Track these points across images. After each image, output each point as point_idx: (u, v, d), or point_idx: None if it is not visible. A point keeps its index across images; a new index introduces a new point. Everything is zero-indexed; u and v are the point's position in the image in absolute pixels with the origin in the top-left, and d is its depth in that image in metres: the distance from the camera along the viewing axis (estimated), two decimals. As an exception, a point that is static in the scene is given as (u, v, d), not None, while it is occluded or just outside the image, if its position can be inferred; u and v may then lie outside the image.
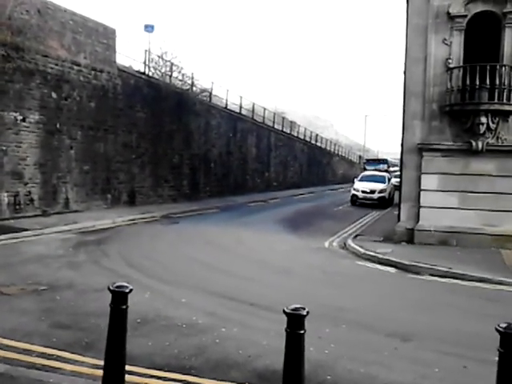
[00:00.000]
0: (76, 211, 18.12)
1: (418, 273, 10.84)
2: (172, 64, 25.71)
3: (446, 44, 14.10)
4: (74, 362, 5.24)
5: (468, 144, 13.82)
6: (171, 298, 7.98)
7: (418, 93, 14.41)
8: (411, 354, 5.98)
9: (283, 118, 45.83)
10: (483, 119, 13.54)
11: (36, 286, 8.30)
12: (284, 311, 3.61)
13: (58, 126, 17.64)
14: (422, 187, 14.26)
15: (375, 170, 37.27)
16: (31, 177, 16.58)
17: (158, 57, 25.38)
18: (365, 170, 38.84)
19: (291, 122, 48.12)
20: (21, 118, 16.04)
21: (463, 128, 13.91)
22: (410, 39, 14.67)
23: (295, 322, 3.59)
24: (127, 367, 4.39)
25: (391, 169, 44.06)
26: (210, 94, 30.02)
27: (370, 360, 5.69)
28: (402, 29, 14.89)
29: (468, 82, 13.47)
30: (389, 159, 47.54)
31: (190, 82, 27.25)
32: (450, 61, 14.00)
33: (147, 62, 24.65)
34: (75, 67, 18.37)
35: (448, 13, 13.99)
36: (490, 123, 13.58)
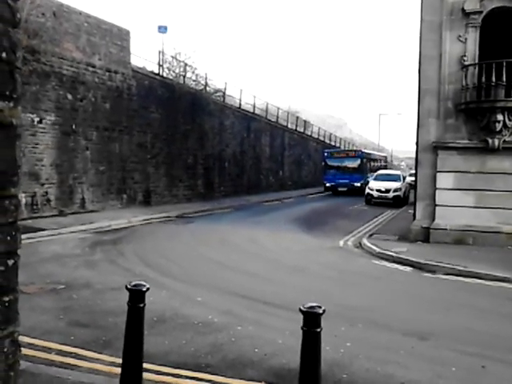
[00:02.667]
0: (92, 211, 18.31)
1: (433, 271, 10.78)
2: (186, 64, 25.82)
3: (461, 41, 13.97)
4: (92, 360, 5.31)
5: (484, 142, 13.68)
6: (187, 296, 8.04)
7: (432, 91, 14.31)
8: (428, 353, 5.96)
9: (297, 118, 45.78)
10: (499, 117, 13.40)
11: (54, 284, 8.42)
12: (300, 309, 3.63)
13: (73, 126, 17.84)
14: (437, 186, 14.16)
15: (341, 166, 35.61)
16: (48, 177, 16.79)
17: (172, 57, 25.51)
18: (326, 167, 36.37)
19: (305, 121, 48.05)
20: (37, 119, 16.25)
21: (479, 126, 13.78)
22: (424, 36, 14.56)
23: (312, 320, 3.60)
24: (144, 365, 4.44)
25: (375, 164, 40.57)
26: (224, 93, 30.10)
27: (387, 359, 5.68)
28: (416, 26, 14.79)
29: (484, 79, 13.34)
30: (369, 151, 43.43)
31: (203, 82, 27.35)
32: (465, 58, 13.87)
33: (161, 63, 24.80)
34: (90, 69, 18.56)
35: (463, 9, 13.87)
36: (507, 121, 13.44)
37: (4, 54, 1.47)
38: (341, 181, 35.11)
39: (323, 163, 37.55)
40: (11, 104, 1.55)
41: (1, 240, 1.54)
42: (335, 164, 36.31)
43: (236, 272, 10.12)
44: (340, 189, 34.92)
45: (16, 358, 1.66)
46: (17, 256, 1.67)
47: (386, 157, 49.10)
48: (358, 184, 34.28)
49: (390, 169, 48.14)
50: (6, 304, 1.58)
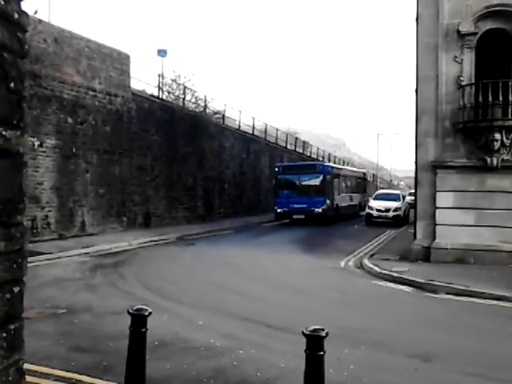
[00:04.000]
0: (92, 234, 18.27)
1: (434, 291, 10.72)
2: (185, 87, 26.05)
3: (457, 62, 14.15)
4: (93, 386, 5.26)
5: (483, 161, 13.75)
6: (188, 320, 7.98)
7: (430, 110, 14.44)
8: (433, 375, 5.90)
9: (296, 138, 46.02)
10: (497, 136, 13.49)
11: (54, 309, 8.37)
12: (303, 333, 3.62)
13: (73, 150, 17.92)
14: (437, 205, 14.18)
15: (297, 185, 27.28)
16: (48, 201, 16.80)
17: (172, 80, 25.76)
18: (277, 183, 27.95)
19: (304, 141, 48.29)
20: (38, 143, 16.34)
21: (477, 145, 13.86)
22: (420, 58, 14.75)
23: (315, 343, 3.59)
24: (146, 390, 4.40)
25: (349, 182, 33.08)
26: (223, 115, 30.31)
27: (391, 381, 5.63)
28: (412, 47, 14.98)
29: (481, 98, 13.48)
30: (336, 165, 35.60)
31: (203, 104, 27.57)
32: (461, 78, 14.03)
33: (161, 86, 25.03)
34: (90, 92, 18.72)
35: (458, 31, 14.07)
36: (505, 139, 13.53)
37: (12, 84, 1.50)
38: (296, 205, 26.17)
39: (274, 181, 28.82)
40: (18, 133, 1.58)
41: (7, 268, 1.55)
42: (289, 182, 27.53)
43: (237, 294, 10.06)
44: (295, 216, 26.38)
45: (21, 386, 1.65)
46: (22, 283, 1.67)
47: (364, 174, 41.13)
48: (319, 209, 26.08)
49: (388, 188, 48.10)
50: (12, 332, 1.58)
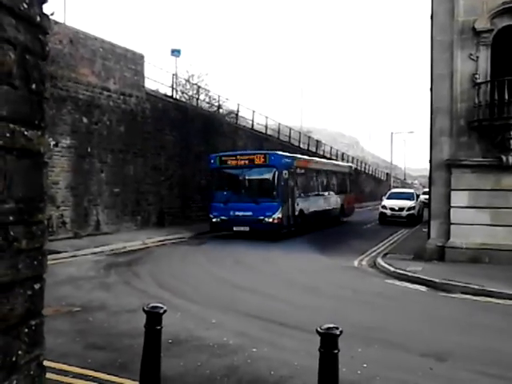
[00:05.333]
0: (106, 233, 18.43)
1: (449, 291, 10.65)
2: (199, 87, 26.15)
3: (473, 59, 14.02)
4: (109, 383, 5.32)
5: (498, 159, 13.62)
6: (202, 318, 8.03)
7: (444, 109, 14.33)
8: (447, 375, 5.87)
9: (309, 137, 45.95)
10: (513, 134, 13.35)
11: (70, 307, 8.47)
12: (317, 331, 3.63)
13: (88, 149, 18.09)
14: (451, 204, 14.07)
15: (240, 183, 19.47)
16: (63, 200, 16.98)
17: (185, 80, 25.87)
18: (213, 180, 20.35)
19: (317, 140, 48.20)
20: (53, 143, 16.51)
21: (493, 143, 13.73)
22: (435, 55, 14.64)
23: (329, 341, 3.60)
24: (161, 387, 4.45)
25: (325, 179, 25.48)
26: (237, 115, 30.37)
27: (405, 380, 5.61)
28: (427, 45, 14.88)
29: (496, 96, 13.34)
30: (299, 156, 24.20)
31: (216, 104, 27.65)
32: (476, 76, 13.90)
33: (174, 86, 25.15)
34: (105, 92, 18.87)
35: (474, 28, 13.94)
36: (521, 138, 13.38)
37: (34, 86, 1.53)
38: (238, 212, 18.93)
39: (209, 178, 21.39)
40: (39, 133, 1.62)
41: (28, 265, 1.59)
42: (229, 179, 20.09)
43: (250, 293, 10.09)
44: (237, 228, 18.96)
45: (42, 381, 1.69)
46: (43, 280, 1.71)
47: (351, 168, 32.93)
48: (271, 218, 18.54)
49: (402, 187, 47.83)
50: (33, 327, 1.62)
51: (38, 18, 1.53)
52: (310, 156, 30.87)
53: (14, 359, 1.47)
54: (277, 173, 19.07)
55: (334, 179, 27.49)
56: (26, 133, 1.53)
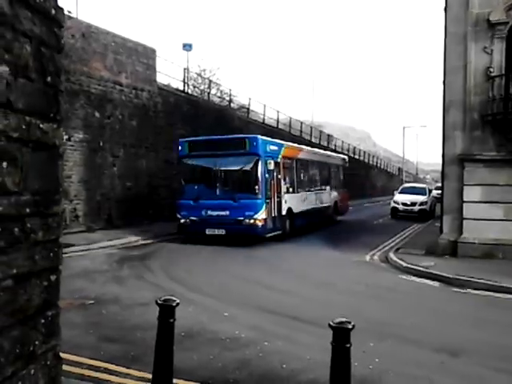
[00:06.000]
0: (119, 227, 18.55)
1: (462, 286, 10.58)
2: (210, 81, 26.16)
3: (487, 52, 13.86)
4: (122, 375, 5.37)
5: (512, 154, 13.48)
6: (214, 311, 8.06)
7: (457, 102, 14.19)
8: (460, 370, 5.84)
9: (320, 132, 45.80)
10: (528, 128, 13.20)
11: (83, 300, 8.55)
12: (329, 325, 3.62)
13: (101, 144, 18.19)
14: (464, 199, 13.96)
15: (215, 175, 16.04)
16: (76, 194, 17.11)
17: (197, 74, 25.89)
18: (182, 172, 16.96)
19: (328, 134, 48.04)
20: (66, 137, 16.62)
21: (507, 137, 13.58)
22: (448, 48, 14.49)
23: (341, 335, 3.59)
24: (173, 380, 4.48)
25: (315, 171, 21.78)
26: (248, 109, 30.35)
27: (417, 375, 5.60)
28: (440, 38, 14.74)
29: (511, 90, 13.19)
30: (284, 143, 19.06)
31: (228, 98, 27.64)
32: (491, 69, 13.74)
33: (186, 80, 25.18)
34: (117, 87, 18.95)
35: (488, 20, 13.77)
36: (535, 132, 13.23)
37: (49, 78, 1.54)
38: (212, 211, 15.75)
39: (177, 169, 18.27)
40: (55, 125, 1.63)
41: (44, 256, 1.60)
42: (201, 170, 16.81)
43: (262, 287, 10.11)
44: (210, 231, 15.72)
45: (58, 370, 1.71)
46: (59, 272, 1.73)
47: (344, 159, 28.22)
48: (252, 219, 15.38)
49: (414, 182, 47.48)
50: (50, 318, 1.64)
51: (53, 11, 1.54)
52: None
53: (31, 349, 1.49)
54: (260, 162, 15.39)
55: (327, 172, 23.81)
56: (41, 125, 1.54)
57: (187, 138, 17.92)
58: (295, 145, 21.90)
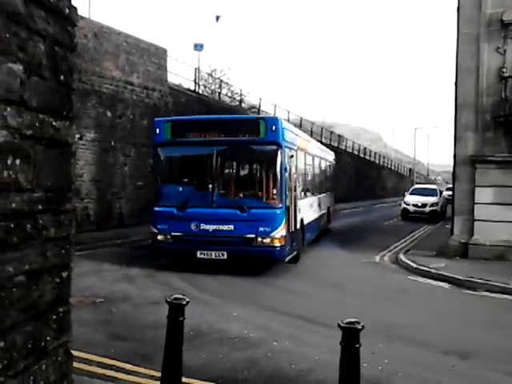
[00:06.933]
0: (129, 226, 18.62)
1: (473, 288, 10.51)
2: (221, 81, 26.21)
3: (500, 53, 13.75)
4: (132, 373, 5.40)
5: (525, 155, 13.36)
6: (223, 311, 8.08)
7: (470, 104, 14.10)
8: (470, 373, 5.80)
9: (331, 132, 45.68)
10: (541, 129, 13.09)
11: (93, 298, 8.60)
12: (339, 325, 3.62)
13: (112, 143, 18.29)
14: (476, 200, 13.86)
15: (214, 168, 10.94)
16: (87, 192, 17.22)
17: (208, 74, 25.95)
18: (158, 166, 11.70)
19: (339, 135, 47.90)
20: (78, 136, 16.73)
21: (519, 139, 13.48)
22: (460, 49, 14.40)
23: (350, 335, 3.59)
24: (182, 379, 4.50)
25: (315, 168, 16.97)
26: (259, 109, 30.35)
27: (427, 377, 5.57)
28: (452, 39, 14.65)
29: (524, 91, 13.09)
30: (293, 128, 14.14)
31: (238, 98, 27.66)
32: (504, 70, 13.63)
33: (197, 80, 25.25)
34: (129, 86, 19.04)
35: (501, 20, 13.66)
36: (548, 133, 13.11)
37: (62, 77, 1.56)
38: (207, 225, 10.77)
39: (152, 163, 14.19)
40: (67, 123, 1.64)
41: (56, 253, 1.62)
42: (190, 164, 12.30)
43: (271, 287, 10.10)
44: (204, 253, 10.81)
45: (69, 367, 1.73)
46: (70, 269, 1.75)
47: (334, 156, 24.33)
48: (267, 239, 10.61)
49: (425, 183, 47.20)
50: (61, 314, 1.65)
51: (67, 11, 1.55)
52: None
53: (42, 344, 1.51)
54: (280, 155, 10.74)
55: (325, 171, 19.76)
56: (54, 123, 1.56)
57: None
58: (306, 135, 18.04)
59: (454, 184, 15.15)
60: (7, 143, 1.31)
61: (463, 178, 14.25)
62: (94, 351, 5.92)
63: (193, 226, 10.82)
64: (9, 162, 1.32)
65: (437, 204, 27.40)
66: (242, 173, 12.52)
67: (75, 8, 1.58)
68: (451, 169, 15.95)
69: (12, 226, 1.35)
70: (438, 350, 6.49)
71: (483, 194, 13.75)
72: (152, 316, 7.35)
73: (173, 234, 10.97)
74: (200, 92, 25.11)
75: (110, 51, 18.14)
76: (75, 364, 5.62)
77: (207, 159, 11.17)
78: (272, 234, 10.61)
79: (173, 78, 22.47)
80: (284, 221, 10.85)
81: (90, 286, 9.51)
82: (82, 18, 16.88)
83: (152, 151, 11.81)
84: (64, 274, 1.68)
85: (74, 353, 5.86)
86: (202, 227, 10.79)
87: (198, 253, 10.82)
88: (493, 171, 13.71)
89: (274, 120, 11.29)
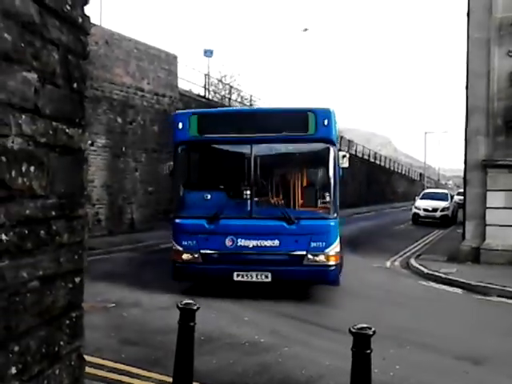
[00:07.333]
0: (140, 231, 18.71)
1: (485, 294, 10.42)
2: (231, 87, 26.32)
3: (511, 56, 13.68)
4: (143, 378, 5.42)
5: (537, 159, 13.26)
6: (234, 316, 8.07)
7: (481, 108, 14.03)
8: (484, 379, 5.75)
9: (341, 137, 45.60)
10: (553, 133, 12.98)
11: (105, 303, 8.64)
12: (350, 330, 3.61)
13: (123, 149, 18.41)
14: (487, 205, 13.76)
15: (253, 173, 9.14)
16: (99, 198, 17.33)
17: (218, 80, 26.07)
18: (180, 168, 9.38)
19: (349, 140, 47.81)
20: (89, 142, 16.86)
21: (531, 143, 13.38)
22: (471, 53, 14.35)
23: (362, 341, 3.58)
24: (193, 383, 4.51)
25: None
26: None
27: (440, 383, 5.53)
28: (462, 43, 14.60)
29: (535, 95, 13.00)
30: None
31: (248, 103, 27.73)
32: (515, 74, 13.56)
33: (207, 86, 25.37)
34: (139, 93, 19.18)
35: (512, 24, 13.60)
36: (561, 137, 13.00)
37: (75, 85, 1.58)
38: (245, 240, 8.94)
39: (173, 163, 9.67)
40: (80, 130, 1.67)
41: (69, 259, 1.64)
42: (222, 167, 10.29)
43: (282, 292, 10.08)
44: (242, 275, 9.04)
45: (82, 371, 1.74)
46: (83, 274, 1.76)
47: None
48: (320, 256, 8.86)
49: (436, 188, 46.87)
50: (74, 319, 1.67)
51: (80, 20, 1.58)
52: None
53: (56, 349, 1.52)
54: (332, 154, 9.11)
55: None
56: (67, 130, 1.58)
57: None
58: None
59: (465, 188, 15.07)
60: (22, 151, 1.34)
61: (474, 182, 14.17)
62: (106, 356, 5.94)
63: (228, 242, 8.98)
64: (23, 169, 1.34)
65: (448, 209, 27.22)
66: (287, 176, 10.17)
67: (88, 17, 1.61)
68: (462, 173, 15.85)
69: (26, 232, 1.37)
70: (450, 356, 6.44)
71: (495, 199, 13.65)
72: (163, 321, 7.36)
73: (202, 251, 9.08)
74: (210, 98, 25.22)
75: (121, 58, 18.30)
76: (87, 369, 5.64)
77: (243, 160, 9.31)
78: (326, 251, 8.87)
79: (183, 84, 22.63)
80: (338, 234, 9.18)
81: (101, 291, 9.55)
82: (94, 25, 17.05)
83: (172, 150, 9.62)
84: (77, 280, 1.70)
85: (87, 358, 5.87)
86: (239, 243, 8.97)
87: (235, 274, 8.98)
88: (504, 175, 13.61)
89: (327, 112, 9.05)
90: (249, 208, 9.12)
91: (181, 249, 9.19)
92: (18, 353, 1.32)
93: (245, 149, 9.20)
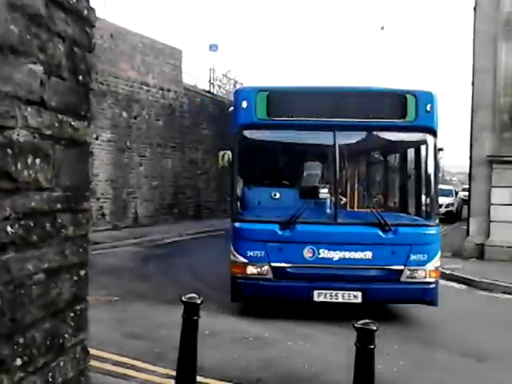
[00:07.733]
0: (145, 225, 18.76)
1: (490, 290, 10.40)
2: (236, 82, 26.26)
3: (518, 52, 13.60)
4: (147, 371, 5.44)
5: (543, 156, 13.19)
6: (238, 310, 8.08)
7: (487, 104, 13.95)
8: (488, 375, 5.74)
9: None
10: (559, 129, 12.91)
11: (109, 296, 8.67)
12: (354, 326, 3.61)
13: (128, 143, 18.43)
14: (492, 201, 13.71)
15: (338, 167, 7.14)
16: (103, 192, 17.36)
17: (223, 75, 26.03)
18: (241, 162, 7.38)
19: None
20: (94, 136, 16.89)
21: (537, 139, 13.31)
22: (477, 48, 14.26)
23: (365, 336, 3.58)
24: (197, 378, 4.52)
25: None
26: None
27: (443, 380, 5.52)
28: (468, 38, 14.50)
29: (542, 91, 12.92)
30: None
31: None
32: (522, 70, 13.48)
33: (212, 81, 25.33)
34: (144, 87, 19.18)
35: (520, 20, 13.51)
36: None
37: (81, 77, 1.58)
38: (328, 252, 7.15)
39: (232, 154, 7.64)
40: (85, 123, 1.66)
41: (74, 251, 1.64)
42: (297, 157, 8.69)
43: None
44: (325, 294, 7.34)
45: (86, 364, 1.75)
46: (87, 267, 1.77)
47: None
48: (419, 271, 7.22)
49: (440, 184, 46.68)
50: (78, 312, 1.68)
51: (86, 12, 1.57)
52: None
53: (61, 341, 1.53)
54: (434, 147, 7.59)
55: None
56: (73, 123, 1.58)
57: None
58: None
59: (470, 185, 15.02)
60: (27, 143, 1.34)
61: (480, 178, 14.11)
62: (110, 349, 5.96)
63: (307, 253, 7.24)
64: (29, 161, 1.34)
65: (452, 205, 27.13)
66: (379, 172, 8.87)
67: (93, 9, 1.60)
68: (467, 169, 15.79)
69: (32, 224, 1.37)
70: (454, 352, 6.43)
71: (500, 195, 13.59)
72: (166, 315, 7.37)
73: (273, 264, 7.28)
74: (215, 92, 25.19)
75: (126, 52, 18.29)
76: (92, 362, 5.65)
77: (324, 151, 7.85)
78: (428, 265, 7.26)
79: (188, 79, 22.61)
80: (440, 245, 7.58)
81: (105, 284, 9.57)
82: (99, 18, 17.02)
83: (232, 135, 7.77)
84: (82, 272, 1.70)
85: (91, 351, 5.87)
86: (321, 254, 7.22)
87: (316, 294, 7.30)
88: (510, 171, 13.55)
89: (430, 96, 7.46)
90: (333, 211, 7.43)
91: (245, 260, 7.33)
92: (23, 345, 1.33)
93: (327, 137, 7.42)
